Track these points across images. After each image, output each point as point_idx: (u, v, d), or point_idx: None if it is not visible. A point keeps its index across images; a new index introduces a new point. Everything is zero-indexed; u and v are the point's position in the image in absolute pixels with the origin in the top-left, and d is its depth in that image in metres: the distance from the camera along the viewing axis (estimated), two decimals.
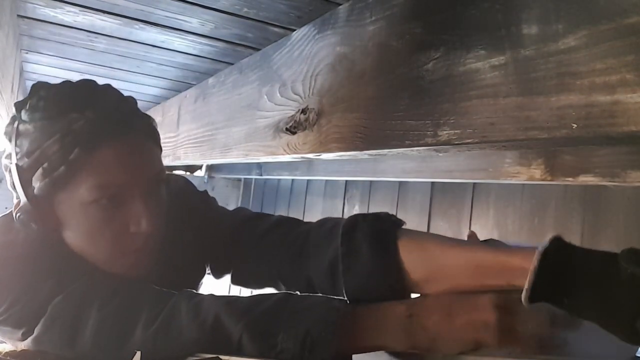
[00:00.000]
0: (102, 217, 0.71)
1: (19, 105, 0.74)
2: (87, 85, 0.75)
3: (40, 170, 0.70)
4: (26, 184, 0.72)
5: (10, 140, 0.73)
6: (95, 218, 0.71)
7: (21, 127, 0.72)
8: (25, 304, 0.68)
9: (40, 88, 0.74)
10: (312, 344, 0.59)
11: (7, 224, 0.76)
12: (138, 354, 0.61)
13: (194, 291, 0.71)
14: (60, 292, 0.69)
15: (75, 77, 1.70)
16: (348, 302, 0.69)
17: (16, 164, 0.72)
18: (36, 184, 0.71)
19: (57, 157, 0.69)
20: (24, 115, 0.72)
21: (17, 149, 0.72)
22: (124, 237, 0.73)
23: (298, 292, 0.78)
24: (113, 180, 0.70)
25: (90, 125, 0.69)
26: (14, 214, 0.74)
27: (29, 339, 0.68)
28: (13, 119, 0.74)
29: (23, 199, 0.72)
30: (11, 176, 0.74)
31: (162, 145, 0.82)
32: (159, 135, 0.80)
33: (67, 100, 0.72)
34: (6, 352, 0.67)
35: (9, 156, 0.74)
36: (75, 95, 0.73)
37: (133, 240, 0.73)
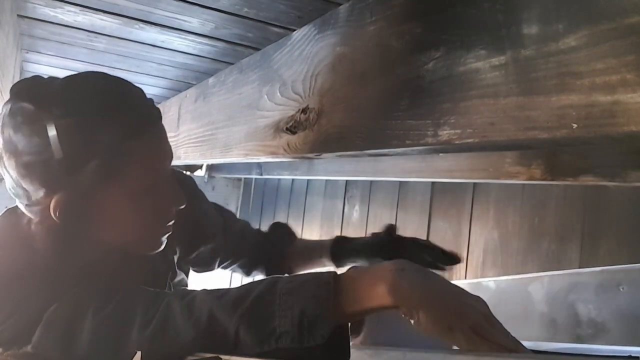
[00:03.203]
0: (150, 201, 0.75)
1: (45, 101, 0.69)
2: (113, 78, 0.76)
3: (93, 164, 0.69)
4: (70, 180, 0.70)
5: (38, 136, 0.68)
6: (143, 204, 0.75)
7: (59, 122, 0.68)
8: (20, 316, 0.69)
9: (67, 84, 0.72)
10: (309, 323, 0.59)
11: None
12: (138, 354, 0.61)
13: (186, 289, 0.71)
14: (54, 301, 0.69)
15: None
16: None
17: (59, 160, 0.68)
18: (86, 178, 0.70)
19: (110, 152, 0.69)
20: (57, 110, 0.68)
21: (56, 145, 0.68)
22: (164, 217, 0.79)
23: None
24: (159, 165, 0.76)
25: (136, 115, 0.72)
26: (52, 213, 0.71)
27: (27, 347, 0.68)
28: (37, 114, 0.69)
29: (67, 195, 0.70)
30: (35, 173, 0.69)
31: None
32: None
33: (107, 94, 0.73)
34: (7, 353, 0.67)
35: (37, 153, 0.69)
36: (111, 88, 0.74)
37: (169, 218, 0.80)
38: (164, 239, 0.81)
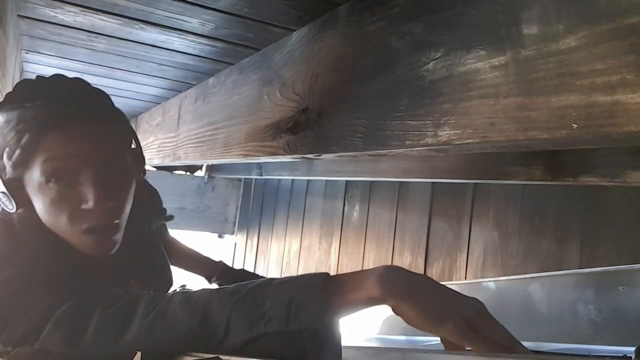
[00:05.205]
0: (56, 195, 0.77)
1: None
2: (49, 78, 0.82)
3: (4, 156, 0.78)
4: (1, 169, 0.80)
5: None
6: (50, 196, 0.78)
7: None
8: (32, 317, 0.71)
9: (16, 84, 0.81)
10: (297, 307, 0.60)
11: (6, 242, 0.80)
12: (138, 354, 0.61)
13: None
14: (65, 302, 0.71)
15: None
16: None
17: None
18: (5, 168, 0.79)
19: (13, 142, 0.76)
20: None
21: None
22: (77, 214, 0.78)
23: None
24: (60, 162, 0.77)
25: (38, 112, 0.76)
26: None
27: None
28: None
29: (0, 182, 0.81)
30: None
31: (162, 145, 0.84)
32: (120, 120, 0.86)
33: (24, 92, 0.79)
34: (11, 354, 0.68)
35: None
36: (33, 87, 0.80)
37: (86, 216, 0.78)
38: (105, 244, 0.81)
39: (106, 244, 0.81)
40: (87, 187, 0.77)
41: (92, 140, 0.78)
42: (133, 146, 0.91)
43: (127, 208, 0.84)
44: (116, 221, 0.81)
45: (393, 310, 0.60)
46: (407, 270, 0.63)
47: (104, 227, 0.79)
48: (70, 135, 0.77)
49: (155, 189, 1.16)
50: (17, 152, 0.76)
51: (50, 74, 0.82)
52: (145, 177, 1.00)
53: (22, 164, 0.78)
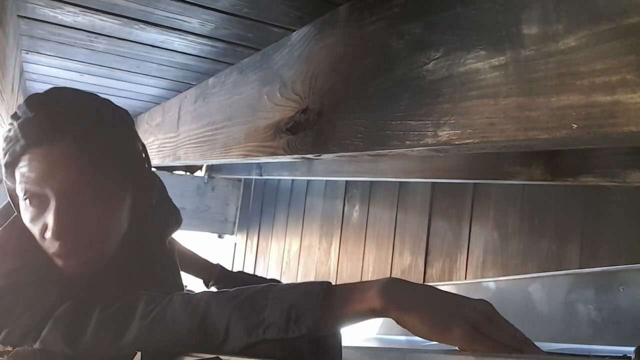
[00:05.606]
0: (31, 216, 0.77)
1: None
2: (48, 92, 0.80)
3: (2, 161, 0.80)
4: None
5: None
6: (27, 216, 0.78)
7: None
8: (33, 315, 0.71)
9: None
10: (296, 315, 0.60)
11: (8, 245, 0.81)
12: (138, 354, 0.62)
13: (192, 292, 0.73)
14: (66, 301, 0.72)
15: (75, 77, 1.70)
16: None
17: None
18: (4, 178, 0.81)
19: (1, 159, 0.79)
20: None
21: None
22: (44, 239, 0.77)
23: None
24: (31, 185, 0.75)
25: (17, 131, 0.75)
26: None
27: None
28: None
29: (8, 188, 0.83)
30: None
31: (162, 145, 0.83)
32: (118, 139, 0.81)
33: (19, 108, 0.79)
34: (11, 354, 0.68)
35: None
36: (26, 103, 0.78)
37: (50, 244, 0.76)
38: (77, 267, 0.77)
39: (78, 268, 0.77)
40: (49, 216, 0.74)
41: (64, 162, 0.74)
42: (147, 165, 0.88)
43: (104, 233, 0.78)
44: (86, 249, 0.76)
45: (397, 322, 0.59)
46: (409, 281, 0.62)
47: (71, 253, 0.76)
48: (43, 156, 0.73)
49: (177, 212, 1.03)
50: (2, 169, 0.79)
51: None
52: (168, 197, 1.00)
53: (10, 180, 0.80)
